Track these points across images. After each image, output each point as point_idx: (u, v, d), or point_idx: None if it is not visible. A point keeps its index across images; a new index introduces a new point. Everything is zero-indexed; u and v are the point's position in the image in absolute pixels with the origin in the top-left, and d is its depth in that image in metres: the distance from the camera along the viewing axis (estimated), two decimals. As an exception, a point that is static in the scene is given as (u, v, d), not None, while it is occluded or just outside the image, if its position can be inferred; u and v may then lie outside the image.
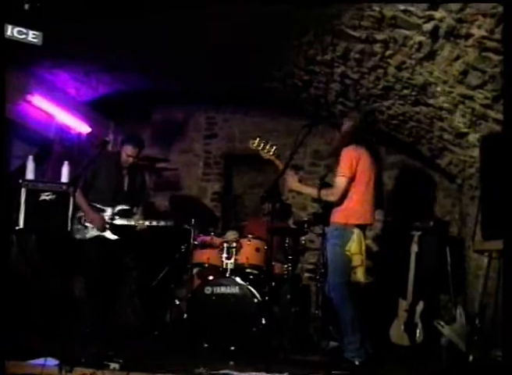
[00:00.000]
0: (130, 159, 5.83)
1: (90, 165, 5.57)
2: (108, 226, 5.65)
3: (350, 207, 4.74)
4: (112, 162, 5.81)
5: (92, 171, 5.63)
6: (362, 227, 4.79)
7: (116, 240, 5.66)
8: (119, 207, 5.73)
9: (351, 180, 4.71)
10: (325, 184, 5.14)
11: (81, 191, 5.52)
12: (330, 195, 4.76)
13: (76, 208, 5.51)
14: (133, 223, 5.72)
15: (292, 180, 5.01)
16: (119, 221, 5.69)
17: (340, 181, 4.72)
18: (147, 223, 5.76)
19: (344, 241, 4.66)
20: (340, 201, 4.74)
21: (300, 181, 5.05)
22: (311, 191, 4.95)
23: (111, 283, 5.63)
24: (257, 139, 5.11)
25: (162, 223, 5.80)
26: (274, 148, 5.04)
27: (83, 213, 5.60)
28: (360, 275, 4.66)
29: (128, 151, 5.80)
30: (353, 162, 4.71)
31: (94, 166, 5.62)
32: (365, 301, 4.94)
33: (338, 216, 4.79)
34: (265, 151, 5.04)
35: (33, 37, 4.52)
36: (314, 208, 7.52)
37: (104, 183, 5.69)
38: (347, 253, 4.63)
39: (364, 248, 4.67)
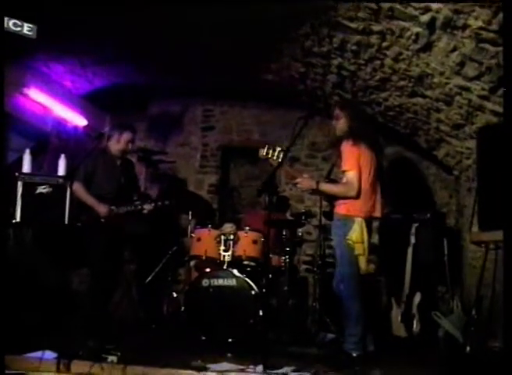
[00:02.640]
0: (130, 145, 5.84)
1: (88, 158, 5.57)
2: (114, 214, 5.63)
3: (352, 200, 4.71)
4: (107, 156, 5.80)
5: (91, 166, 5.60)
6: (368, 220, 4.78)
7: (118, 231, 5.63)
8: (120, 198, 5.70)
9: (359, 172, 4.71)
10: (332, 181, 5.12)
11: (83, 186, 5.50)
12: (348, 192, 4.69)
13: (79, 203, 5.49)
14: (139, 207, 5.68)
15: (307, 181, 4.96)
16: (123, 209, 5.66)
17: (352, 176, 4.66)
18: (152, 204, 5.76)
19: (346, 231, 4.66)
20: (359, 194, 4.70)
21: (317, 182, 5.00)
22: (335, 189, 4.88)
23: (111, 276, 5.62)
24: (265, 148, 5.07)
25: (167, 202, 5.80)
26: (282, 153, 4.98)
27: (92, 206, 5.55)
28: (361, 264, 4.65)
29: (129, 137, 5.81)
30: (356, 156, 4.69)
31: (91, 161, 5.61)
32: (368, 294, 4.93)
33: (340, 208, 4.78)
34: (274, 158, 5.00)
35: (28, 30, 4.51)
36: (311, 201, 7.53)
37: (103, 178, 5.66)
38: (350, 242, 4.63)
39: (366, 237, 4.64)
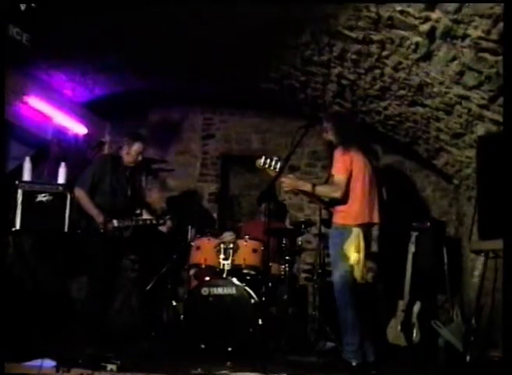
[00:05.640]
0: (140, 156, 5.78)
1: (96, 165, 5.55)
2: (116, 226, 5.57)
3: (348, 208, 4.74)
4: (117, 165, 5.74)
5: (99, 174, 5.55)
6: (366, 227, 4.79)
7: (119, 240, 5.60)
8: (123, 211, 5.65)
9: (349, 178, 4.73)
10: None
11: (87, 194, 5.46)
12: (333, 192, 4.75)
13: (82, 211, 5.47)
14: (140, 223, 5.66)
15: (292, 181, 5.01)
16: (124, 223, 5.62)
17: (340, 178, 4.72)
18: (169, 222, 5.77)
19: (343, 241, 4.67)
20: (344, 198, 4.73)
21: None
22: (320, 189, 4.92)
23: (111, 284, 5.60)
24: (263, 158, 5.08)
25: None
26: (279, 163, 5.01)
27: (93, 216, 5.47)
28: (357, 274, 4.65)
29: (140, 148, 5.72)
30: (346, 163, 4.74)
31: (100, 168, 5.57)
32: (366, 303, 4.93)
33: (337, 217, 4.81)
34: (271, 168, 5.02)
35: (26, 40, 4.54)
36: (311, 209, 7.54)
37: (110, 187, 5.58)
38: (346, 252, 4.64)
39: (362, 246, 4.64)
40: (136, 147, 5.71)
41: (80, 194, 5.42)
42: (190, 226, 6.66)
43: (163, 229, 5.79)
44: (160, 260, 6.62)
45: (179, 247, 6.53)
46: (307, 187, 4.91)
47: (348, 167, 4.74)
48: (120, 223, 5.51)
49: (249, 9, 4.91)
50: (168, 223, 5.73)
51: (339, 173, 4.73)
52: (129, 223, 5.56)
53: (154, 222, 5.66)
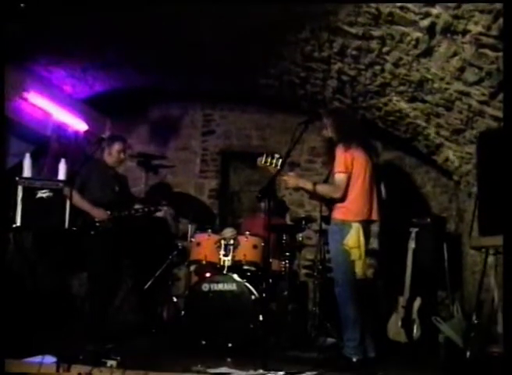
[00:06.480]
0: (122, 155, 5.93)
1: (82, 169, 5.60)
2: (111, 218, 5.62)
3: (349, 204, 4.74)
4: (101, 166, 5.87)
5: (85, 176, 5.63)
6: (365, 224, 4.79)
7: (117, 235, 5.62)
8: (115, 204, 5.70)
9: (349, 176, 4.73)
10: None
11: (78, 192, 5.50)
12: (333, 192, 4.76)
13: (75, 209, 5.48)
14: (133, 212, 5.71)
15: (294, 179, 5.02)
16: (118, 214, 5.65)
17: (340, 178, 4.72)
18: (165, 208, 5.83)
19: (343, 236, 4.66)
20: (343, 197, 4.75)
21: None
22: (320, 189, 4.92)
23: (111, 281, 5.61)
24: (264, 156, 5.08)
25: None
26: (280, 160, 5.00)
27: (87, 212, 5.56)
28: (358, 269, 4.65)
29: (120, 148, 5.90)
30: (347, 160, 4.73)
31: (85, 171, 5.62)
32: (367, 299, 4.92)
33: (337, 213, 4.80)
34: (273, 165, 5.02)
35: (26, 37, 4.56)
36: (311, 206, 7.53)
37: (98, 186, 5.70)
38: (346, 248, 4.63)
39: (362, 242, 4.64)
40: (117, 146, 5.90)
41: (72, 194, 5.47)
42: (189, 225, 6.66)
43: (160, 214, 5.84)
44: (160, 257, 6.61)
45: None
46: (309, 185, 4.92)
47: (349, 166, 4.74)
48: (114, 214, 5.59)
49: (249, 9, 4.91)
50: (166, 208, 5.82)
51: (340, 173, 4.73)
52: (123, 213, 5.63)
53: (151, 208, 5.73)
